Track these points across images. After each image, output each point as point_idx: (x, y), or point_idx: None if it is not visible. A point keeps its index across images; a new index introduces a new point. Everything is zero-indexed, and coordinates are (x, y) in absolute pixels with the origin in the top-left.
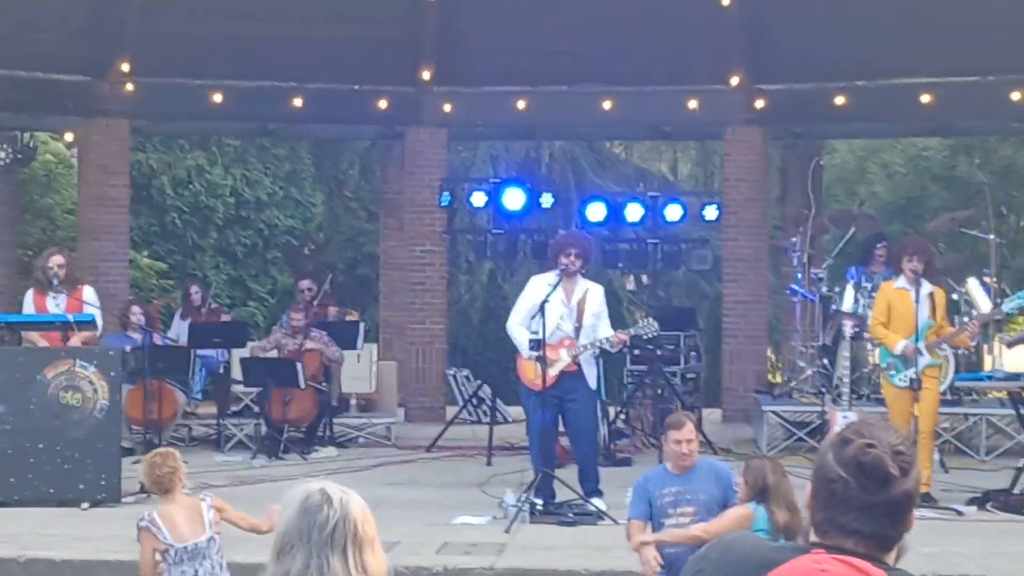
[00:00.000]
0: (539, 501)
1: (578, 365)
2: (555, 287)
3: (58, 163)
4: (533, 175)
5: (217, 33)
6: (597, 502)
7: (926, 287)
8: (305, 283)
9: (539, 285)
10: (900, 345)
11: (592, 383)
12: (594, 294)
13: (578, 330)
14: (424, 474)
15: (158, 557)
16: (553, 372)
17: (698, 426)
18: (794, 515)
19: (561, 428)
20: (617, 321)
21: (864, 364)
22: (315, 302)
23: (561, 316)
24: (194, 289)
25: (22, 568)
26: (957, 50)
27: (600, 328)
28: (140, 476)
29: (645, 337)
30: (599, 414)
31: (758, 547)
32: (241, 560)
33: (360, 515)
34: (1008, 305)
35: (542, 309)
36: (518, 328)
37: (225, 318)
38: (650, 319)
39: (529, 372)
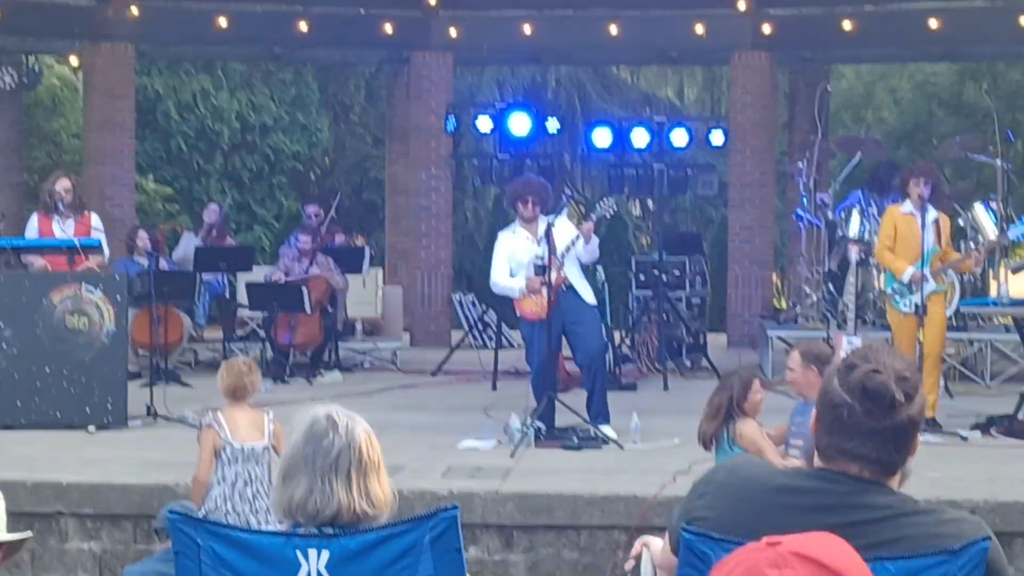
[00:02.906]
0: (541, 425)
1: (566, 282)
2: (558, 212)
3: (63, 87)
4: (539, 100)
5: None
6: (605, 429)
7: (932, 212)
8: (312, 208)
9: (508, 238)
10: (908, 272)
11: (589, 298)
12: (556, 224)
13: (552, 251)
14: (429, 398)
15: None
16: (547, 291)
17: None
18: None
19: (566, 353)
20: (623, 246)
21: (870, 289)
22: (322, 228)
23: (536, 253)
24: (212, 208)
25: (29, 491)
26: None
27: (578, 245)
28: (219, 379)
29: (608, 216)
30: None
31: (762, 471)
32: None
33: (365, 441)
34: (1014, 232)
35: (547, 235)
36: (502, 279)
37: (230, 242)
38: (607, 199)
39: (528, 306)
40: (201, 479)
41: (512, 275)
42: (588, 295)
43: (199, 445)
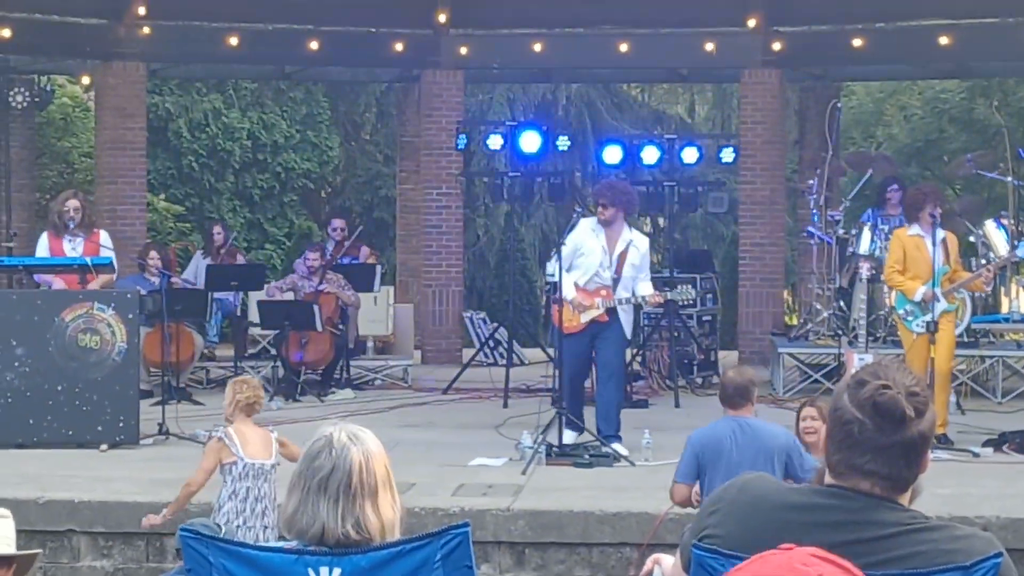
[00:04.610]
0: (553, 442)
1: (609, 315)
2: (572, 228)
3: (75, 106)
4: (550, 118)
5: None
6: (617, 447)
7: (939, 232)
8: (338, 222)
9: (587, 228)
10: (920, 292)
11: (627, 330)
12: (637, 247)
13: (616, 281)
14: (440, 416)
15: (219, 470)
16: (585, 319)
17: None
18: None
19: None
20: None
21: (881, 306)
22: (346, 243)
23: (601, 264)
24: (216, 229)
25: (41, 509)
26: None
27: (639, 281)
28: (233, 392)
29: (680, 303)
30: None
31: (773, 488)
32: None
33: (359, 465)
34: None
35: (558, 251)
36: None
37: (240, 259)
38: (688, 286)
39: (564, 315)
40: (194, 486)
41: (571, 269)
42: (627, 326)
43: (204, 452)
